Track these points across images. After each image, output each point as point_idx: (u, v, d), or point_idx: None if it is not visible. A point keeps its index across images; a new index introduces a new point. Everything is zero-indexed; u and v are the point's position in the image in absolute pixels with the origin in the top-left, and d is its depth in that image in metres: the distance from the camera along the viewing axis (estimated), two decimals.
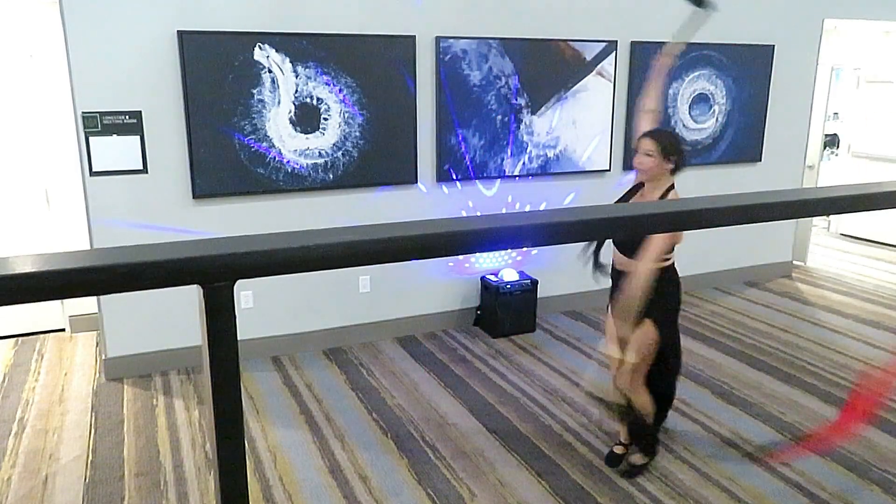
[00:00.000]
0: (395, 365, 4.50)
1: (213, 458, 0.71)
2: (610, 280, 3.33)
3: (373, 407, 3.94)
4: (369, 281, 4.80)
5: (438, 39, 4.55)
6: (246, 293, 4.50)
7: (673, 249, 3.12)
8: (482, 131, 4.82)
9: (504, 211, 5.01)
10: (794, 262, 6.60)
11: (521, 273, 5.08)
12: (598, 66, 5.08)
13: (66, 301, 4.92)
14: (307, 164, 4.39)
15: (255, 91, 4.16)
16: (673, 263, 3.17)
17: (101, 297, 4.13)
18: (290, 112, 4.28)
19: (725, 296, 5.86)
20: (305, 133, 4.34)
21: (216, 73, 4.05)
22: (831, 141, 8.77)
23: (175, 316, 4.30)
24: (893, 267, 6.81)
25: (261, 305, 4.53)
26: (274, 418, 3.81)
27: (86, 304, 4.89)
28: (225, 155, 4.18)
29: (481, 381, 4.27)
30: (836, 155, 8.80)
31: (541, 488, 3.19)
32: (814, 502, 3.08)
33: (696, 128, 5.58)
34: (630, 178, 5.48)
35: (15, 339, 4.90)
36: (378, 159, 4.57)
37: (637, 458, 3.33)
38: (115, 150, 3.98)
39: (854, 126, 7.95)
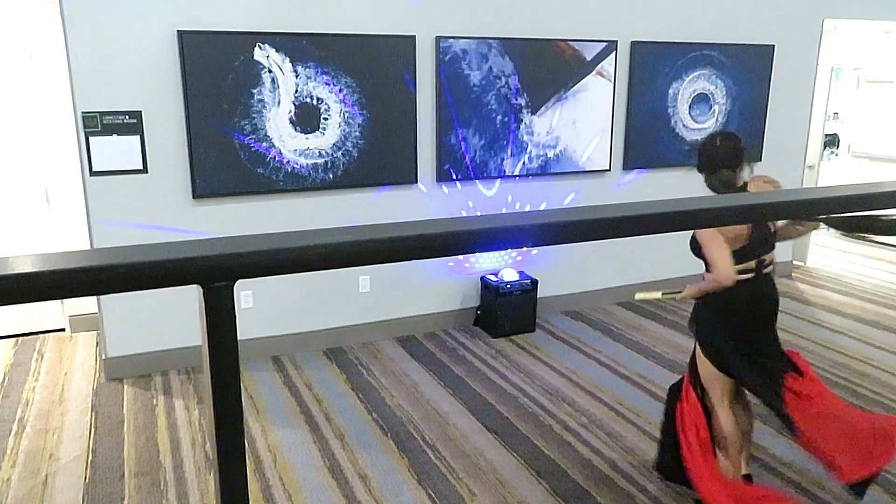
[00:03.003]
0: (395, 365, 4.50)
1: (213, 458, 0.71)
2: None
3: (373, 407, 3.94)
4: (369, 281, 4.80)
5: (438, 39, 4.55)
6: (246, 293, 4.50)
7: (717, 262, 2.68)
8: (482, 131, 4.82)
9: (504, 211, 5.01)
10: (794, 262, 6.60)
11: (521, 273, 5.08)
12: (598, 66, 5.08)
13: (66, 301, 4.92)
14: (307, 164, 4.39)
15: (255, 91, 4.16)
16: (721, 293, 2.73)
17: (101, 297, 4.13)
18: (290, 112, 4.28)
19: None
20: (305, 133, 4.34)
21: (216, 73, 4.05)
22: (831, 141, 8.77)
23: (175, 316, 4.30)
24: (893, 267, 6.81)
25: (261, 305, 4.53)
26: (274, 418, 3.81)
27: (86, 304, 4.89)
28: (225, 155, 4.18)
29: (481, 381, 4.27)
30: (836, 155, 8.80)
31: (541, 488, 3.19)
32: (814, 502, 3.08)
33: (696, 128, 5.58)
34: (629, 178, 5.52)
35: (15, 339, 4.90)
36: (378, 159, 4.57)
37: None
38: (115, 150, 3.98)
39: (854, 126, 7.95)
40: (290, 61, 4.22)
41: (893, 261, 7.02)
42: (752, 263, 2.80)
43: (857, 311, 5.52)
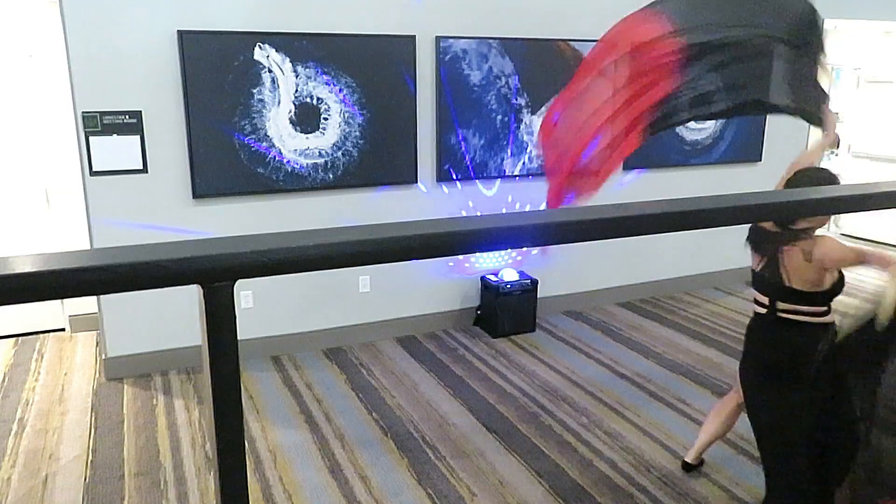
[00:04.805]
0: (395, 365, 4.50)
1: (213, 458, 0.71)
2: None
3: (373, 407, 3.94)
4: (369, 281, 4.80)
5: (438, 39, 4.55)
6: (246, 293, 4.50)
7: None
8: (482, 131, 4.82)
9: (504, 211, 5.01)
10: None
11: (521, 273, 5.08)
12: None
13: (66, 301, 4.92)
14: (307, 163, 4.39)
15: (255, 91, 4.16)
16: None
17: (101, 297, 4.13)
18: (290, 112, 4.28)
19: (725, 296, 5.86)
20: (305, 133, 4.34)
21: (216, 73, 4.05)
22: None
23: (175, 316, 4.30)
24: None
25: (261, 305, 4.53)
26: (274, 418, 3.81)
27: (86, 304, 4.89)
28: (225, 155, 4.18)
29: (481, 381, 4.27)
30: (837, 155, 8.80)
31: (541, 488, 3.19)
32: None
33: (696, 128, 5.58)
34: (629, 178, 5.50)
35: (15, 339, 4.90)
36: (378, 159, 4.57)
37: None
38: (115, 150, 3.98)
39: (854, 126, 7.95)
40: (290, 61, 4.21)
41: None
42: (765, 298, 2.63)
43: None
